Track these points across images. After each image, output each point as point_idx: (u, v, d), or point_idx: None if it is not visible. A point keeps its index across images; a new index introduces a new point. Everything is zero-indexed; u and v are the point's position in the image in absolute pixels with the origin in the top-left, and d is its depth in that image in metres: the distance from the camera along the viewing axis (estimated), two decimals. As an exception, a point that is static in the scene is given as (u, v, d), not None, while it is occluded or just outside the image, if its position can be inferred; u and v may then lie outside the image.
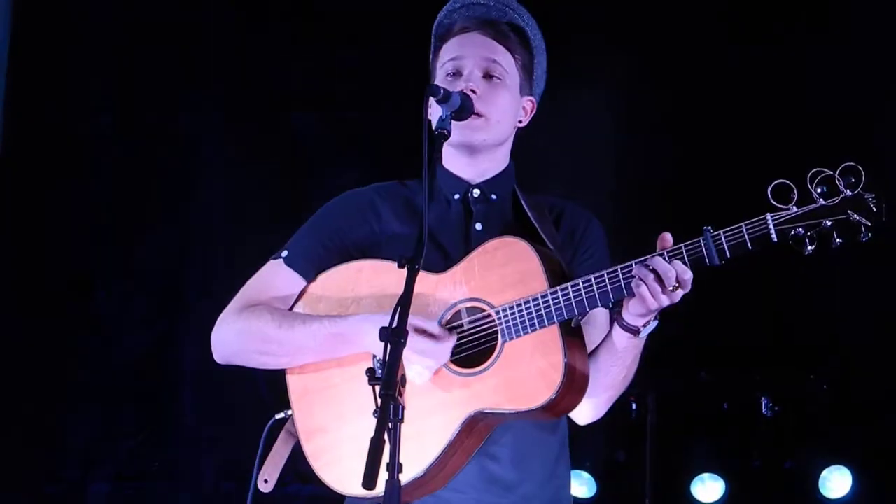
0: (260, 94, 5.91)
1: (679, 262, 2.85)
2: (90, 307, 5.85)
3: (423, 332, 3.00)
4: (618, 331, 2.99)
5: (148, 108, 5.96)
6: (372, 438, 2.50)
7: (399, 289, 2.79)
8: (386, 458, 2.52)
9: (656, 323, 2.97)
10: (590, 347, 3.07)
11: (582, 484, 5.61)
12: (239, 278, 5.53)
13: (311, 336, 3.17)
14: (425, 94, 3.04)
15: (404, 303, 2.69)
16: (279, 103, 5.93)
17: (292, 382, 3.26)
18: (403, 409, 2.56)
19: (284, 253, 3.31)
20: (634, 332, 2.96)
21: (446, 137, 2.99)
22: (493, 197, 3.27)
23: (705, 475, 5.52)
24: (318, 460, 3.17)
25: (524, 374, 2.97)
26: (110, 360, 5.78)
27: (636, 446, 5.67)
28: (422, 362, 3.02)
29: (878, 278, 5.41)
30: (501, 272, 3.04)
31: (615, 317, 2.99)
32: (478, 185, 3.27)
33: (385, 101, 5.66)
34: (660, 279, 2.84)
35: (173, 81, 5.96)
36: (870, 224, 2.76)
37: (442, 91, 3.02)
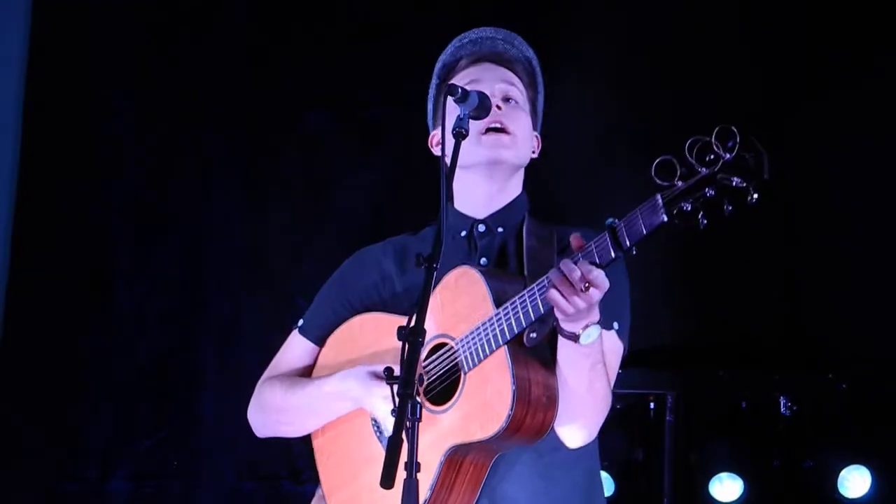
0: (277, 94, 5.92)
1: (584, 263, 2.78)
2: (109, 306, 5.86)
3: (376, 375, 3.06)
4: (560, 339, 2.94)
5: (166, 108, 5.97)
6: (390, 438, 2.51)
7: (381, 339, 2.85)
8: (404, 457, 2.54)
9: (598, 330, 2.91)
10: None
11: (600, 483, 5.60)
12: (258, 277, 5.58)
13: (309, 399, 3.27)
14: (444, 93, 3.05)
15: (422, 301, 2.70)
16: (296, 103, 5.93)
17: (315, 445, 3.36)
18: (422, 407, 2.57)
19: (300, 322, 3.42)
20: (572, 338, 2.90)
21: (464, 136, 3.00)
22: (500, 230, 3.27)
23: (724, 475, 5.50)
24: None
25: (483, 401, 2.97)
26: (130, 358, 5.79)
27: (654, 446, 5.65)
28: (386, 406, 3.04)
29: (898, 277, 5.41)
30: (458, 303, 3.06)
31: (555, 325, 2.94)
32: (483, 221, 3.27)
33: (403, 101, 5.65)
34: (568, 282, 2.78)
35: (190, 82, 5.97)
36: (753, 184, 2.61)
37: (460, 90, 3.02)
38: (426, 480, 2.96)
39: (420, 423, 2.86)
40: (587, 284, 2.78)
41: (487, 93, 3.15)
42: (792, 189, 5.19)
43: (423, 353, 3.05)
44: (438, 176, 2.91)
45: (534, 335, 2.95)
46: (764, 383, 5.63)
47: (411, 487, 2.55)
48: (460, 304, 3.05)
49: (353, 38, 5.90)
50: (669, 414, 5.61)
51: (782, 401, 5.60)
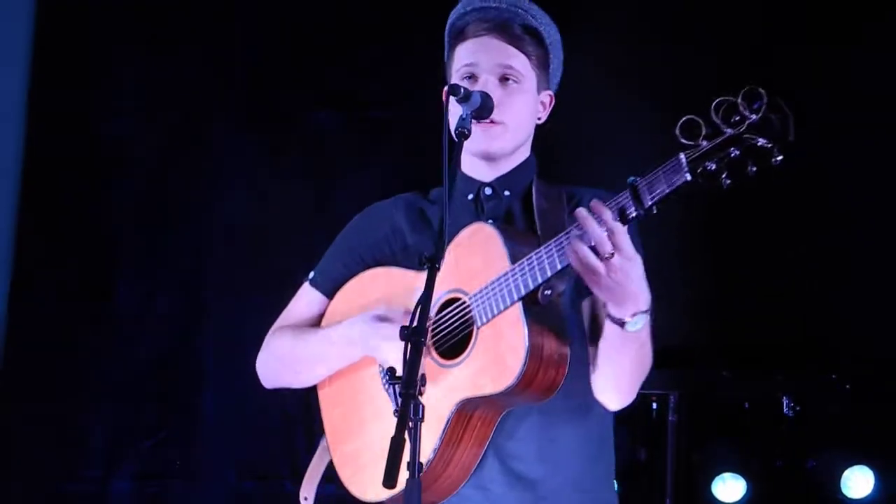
0: (281, 94, 5.92)
1: (608, 213, 2.75)
2: (111, 306, 5.87)
3: (383, 318, 3.08)
4: (607, 321, 2.94)
5: (170, 108, 5.97)
6: (392, 437, 2.51)
7: (408, 294, 2.84)
8: (407, 456, 2.54)
9: (646, 318, 2.89)
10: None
11: (603, 483, 5.59)
12: (260, 277, 5.58)
13: (317, 347, 3.28)
14: (445, 93, 3.05)
15: (424, 302, 2.71)
16: (301, 102, 5.93)
17: (321, 397, 3.36)
18: (424, 407, 2.57)
19: (311, 275, 3.44)
20: (619, 324, 2.89)
21: (467, 136, 3.00)
22: (506, 193, 3.28)
23: (727, 475, 5.50)
24: (343, 471, 3.25)
25: (496, 356, 2.98)
26: (132, 359, 5.80)
27: (657, 445, 5.66)
28: (393, 347, 3.04)
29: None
30: (473, 259, 3.07)
31: (604, 307, 2.93)
32: (490, 184, 3.28)
33: (407, 101, 5.66)
34: (590, 228, 2.75)
35: (195, 81, 5.97)
36: (778, 146, 2.60)
37: (462, 90, 3.03)
38: (434, 434, 2.99)
39: (429, 376, 2.93)
40: (611, 240, 2.74)
41: (485, 77, 3.20)
42: (794, 188, 5.19)
43: (435, 308, 3.07)
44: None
45: (548, 292, 2.94)
46: (767, 383, 5.63)
47: (413, 488, 2.54)
48: (474, 260, 3.06)
49: (358, 37, 5.90)
50: (672, 414, 5.61)
51: (785, 401, 5.60)
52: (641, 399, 5.70)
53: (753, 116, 2.61)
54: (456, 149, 2.97)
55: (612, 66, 5.54)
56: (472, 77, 3.25)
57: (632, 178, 2.73)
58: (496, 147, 3.25)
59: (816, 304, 5.62)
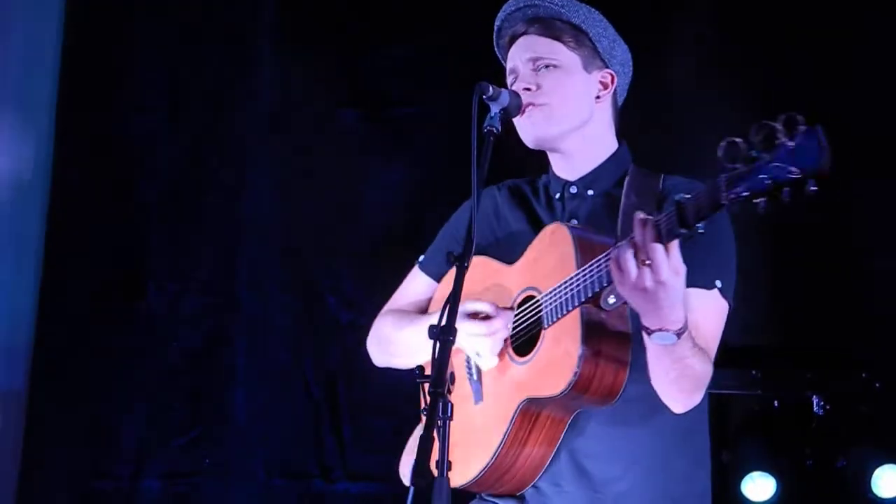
0: (308, 92, 5.92)
1: (650, 232, 2.74)
2: (142, 305, 5.89)
3: (473, 315, 3.07)
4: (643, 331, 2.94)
5: (197, 106, 5.99)
6: (421, 436, 2.51)
7: (499, 289, 2.86)
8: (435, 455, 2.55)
9: (674, 337, 2.86)
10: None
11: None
12: (290, 275, 5.59)
13: (413, 335, 3.33)
14: (474, 91, 3.06)
15: (453, 300, 2.71)
16: (328, 100, 5.93)
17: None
18: (453, 406, 2.57)
19: (421, 258, 3.51)
20: (646, 332, 2.89)
21: (495, 135, 3.01)
22: (590, 192, 3.29)
23: (756, 474, 5.48)
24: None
25: (549, 361, 3.01)
26: (162, 357, 5.82)
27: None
28: (479, 344, 3.06)
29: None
30: (549, 259, 3.09)
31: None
32: (574, 183, 3.29)
33: (435, 99, 5.66)
34: (632, 248, 2.75)
35: (221, 80, 5.98)
36: (810, 177, 2.52)
37: (491, 89, 3.04)
38: (499, 430, 3.04)
39: (501, 371, 3.06)
40: (645, 258, 2.73)
41: (521, 73, 3.26)
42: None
43: (516, 302, 3.14)
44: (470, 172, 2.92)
45: (612, 300, 2.93)
46: (797, 382, 5.61)
47: (442, 486, 2.54)
48: (550, 259, 3.09)
49: (384, 36, 5.90)
50: (702, 413, 5.60)
51: (815, 400, 5.57)
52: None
53: (790, 143, 2.53)
54: (485, 147, 2.97)
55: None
56: (515, 79, 3.31)
57: (678, 196, 2.71)
58: (546, 131, 3.26)
59: (846, 302, 5.59)
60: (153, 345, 5.84)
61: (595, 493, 3.14)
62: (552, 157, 3.37)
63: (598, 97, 3.32)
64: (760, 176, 2.55)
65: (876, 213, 5.45)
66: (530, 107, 3.21)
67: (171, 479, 5.78)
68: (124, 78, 6.01)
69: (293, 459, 5.72)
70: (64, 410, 5.76)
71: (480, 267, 3.26)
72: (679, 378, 3.00)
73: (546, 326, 3.03)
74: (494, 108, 3.04)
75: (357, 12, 5.93)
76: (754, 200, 2.57)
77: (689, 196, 2.69)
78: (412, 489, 3.20)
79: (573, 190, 3.30)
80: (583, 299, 2.93)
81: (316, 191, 5.83)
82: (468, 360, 3.24)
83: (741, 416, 5.69)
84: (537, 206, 3.37)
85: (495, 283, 3.22)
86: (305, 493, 5.68)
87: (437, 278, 3.47)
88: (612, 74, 3.35)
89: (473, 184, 2.86)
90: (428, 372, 2.68)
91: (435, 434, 2.52)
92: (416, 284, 3.53)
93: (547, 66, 3.26)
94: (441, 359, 2.63)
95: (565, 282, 2.98)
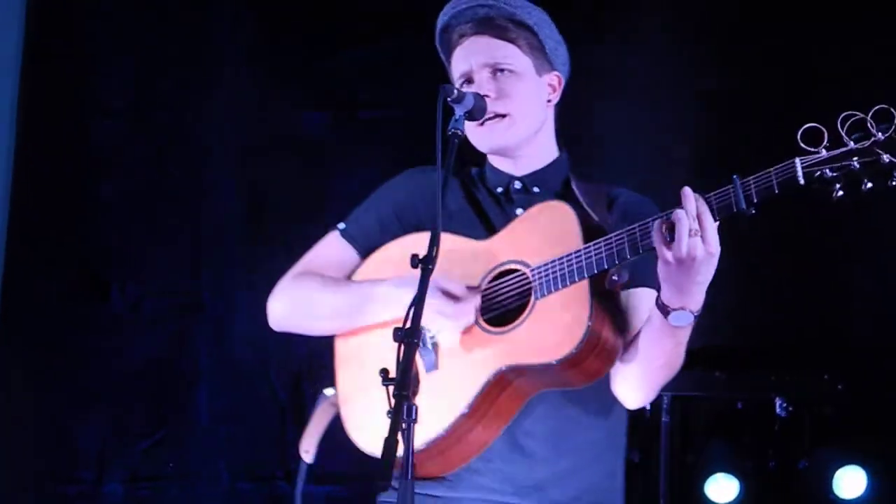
0: (274, 95, 5.92)
1: (703, 205, 2.81)
2: (105, 308, 5.86)
3: (446, 293, 3.05)
4: (654, 308, 2.97)
5: (161, 108, 5.97)
6: (385, 439, 2.51)
7: (451, 259, 2.92)
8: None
9: (691, 317, 2.93)
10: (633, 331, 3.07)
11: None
12: (252, 278, 5.57)
13: (351, 298, 3.25)
14: (439, 94, 3.05)
15: (419, 303, 2.70)
16: (293, 104, 5.93)
17: (339, 348, 3.32)
18: (417, 409, 2.57)
19: (342, 225, 3.39)
20: (663, 310, 2.92)
21: (459, 138, 3.01)
22: (535, 190, 3.29)
23: (720, 475, 5.50)
24: (350, 422, 3.25)
25: (550, 328, 3.00)
26: (125, 360, 5.79)
27: (650, 447, 5.66)
28: (443, 323, 3.05)
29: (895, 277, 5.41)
30: (542, 234, 3.10)
31: (659, 292, 2.97)
32: (520, 178, 3.30)
33: (399, 102, 5.67)
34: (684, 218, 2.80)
35: (186, 81, 5.96)
36: None
37: (455, 91, 3.04)
38: (461, 399, 3.02)
39: (465, 343, 3.04)
40: (697, 228, 2.79)
41: (478, 77, 3.24)
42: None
43: (489, 277, 3.12)
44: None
45: (615, 278, 2.98)
46: (760, 384, 5.64)
47: (406, 490, 2.54)
48: (543, 235, 3.09)
49: (350, 39, 5.90)
50: (665, 415, 5.61)
51: (778, 402, 5.60)
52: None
53: (880, 135, 2.69)
54: (449, 150, 2.97)
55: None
56: (469, 81, 3.28)
57: (735, 177, 2.79)
58: (507, 140, 3.28)
59: (809, 304, 5.62)
60: (116, 347, 5.81)
61: (525, 472, 3.13)
62: (496, 157, 3.36)
63: (548, 101, 3.35)
64: (851, 160, 2.70)
65: (839, 216, 5.48)
66: (490, 116, 3.21)
67: (135, 482, 5.76)
68: (88, 81, 5.98)
69: (258, 462, 5.70)
70: (26, 413, 5.72)
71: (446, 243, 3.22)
72: (665, 366, 3.06)
73: (539, 297, 3.02)
74: (459, 111, 3.03)
75: (321, 15, 5.92)
76: (836, 185, 2.72)
77: (746, 178, 2.76)
78: (303, 465, 3.31)
79: (517, 185, 3.30)
80: (595, 271, 2.96)
81: (280, 193, 5.82)
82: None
83: (705, 418, 5.72)
84: (478, 195, 3.35)
85: (463, 258, 3.16)
86: (270, 496, 5.67)
87: (361, 250, 3.36)
88: (559, 77, 3.37)
89: (438, 187, 2.86)
90: (392, 375, 2.67)
91: (400, 437, 2.52)
92: (336, 251, 3.40)
93: (502, 71, 3.26)
94: (406, 362, 2.63)
95: (569, 255, 2.99)
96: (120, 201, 5.92)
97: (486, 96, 3.19)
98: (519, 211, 3.25)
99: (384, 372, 2.81)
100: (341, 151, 5.85)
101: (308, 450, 3.37)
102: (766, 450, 5.65)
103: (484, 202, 3.32)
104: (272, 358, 5.69)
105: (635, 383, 3.13)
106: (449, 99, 3.03)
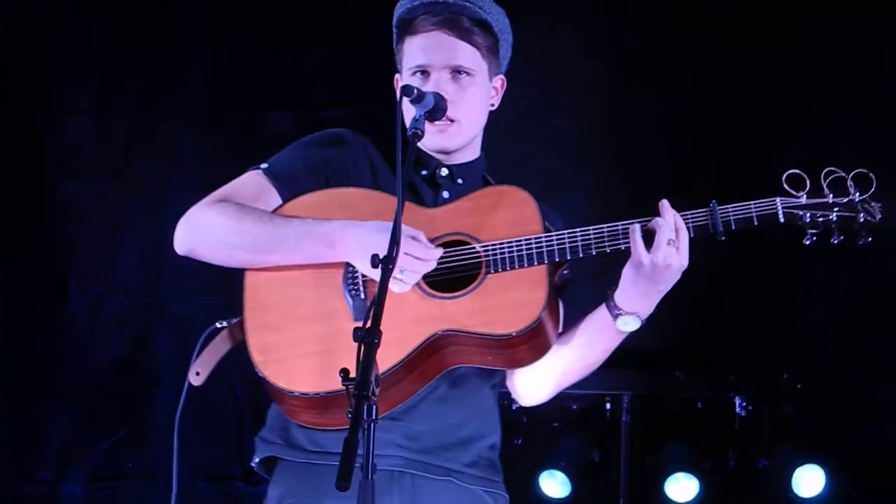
0: (237, 95, 5.91)
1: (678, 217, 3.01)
2: (65, 308, 5.83)
3: (414, 239, 3.06)
4: (603, 307, 3.07)
5: (124, 108, 5.94)
6: (346, 438, 2.49)
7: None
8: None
9: (639, 323, 3.05)
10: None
11: (556, 484, 5.61)
12: (214, 277, 5.53)
13: (291, 232, 3.14)
14: (399, 93, 3.05)
15: (378, 303, 2.69)
16: (256, 104, 5.92)
17: (250, 278, 3.22)
18: (377, 409, 2.56)
19: (264, 165, 3.30)
20: (614, 314, 3.04)
21: (420, 137, 3.01)
22: (460, 181, 3.31)
23: (680, 474, 5.53)
24: (264, 355, 3.19)
25: (502, 304, 3.05)
26: (85, 361, 5.76)
27: (611, 446, 5.68)
28: (409, 267, 3.04)
29: (852, 280, 5.44)
30: (497, 214, 3.15)
31: (608, 293, 3.08)
32: (448, 167, 3.31)
33: (360, 101, 5.67)
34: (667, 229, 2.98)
35: (150, 83, 5.94)
36: (871, 229, 2.99)
37: (416, 91, 3.03)
38: (395, 352, 3.02)
39: (402, 299, 3.04)
40: (674, 238, 2.98)
41: (437, 75, 3.22)
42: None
43: (435, 244, 3.12)
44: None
45: (566, 272, 3.11)
46: (719, 384, 5.67)
47: (367, 489, 2.54)
48: (498, 215, 3.14)
49: (312, 38, 5.90)
50: (626, 414, 5.64)
51: (738, 401, 5.64)
52: (595, 400, 5.73)
53: (857, 196, 3.00)
54: (410, 150, 2.97)
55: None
56: (424, 73, 3.25)
57: (714, 202, 3.03)
58: (451, 145, 3.29)
59: (768, 305, 5.66)
60: (77, 347, 5.78)
61: (393, 435, 3.12)
62: (429, 138, 3.25)
63: (492, 105, 3.37)
64: (829, 212, 3.01)
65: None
66: (446, 120, 3.21)
67: (94, 482, 5.73)
68: (51, 77, 5.94)
69: (216, 462, 5.69)
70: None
71: (379, 201, 3.18)
72: (591, 366, 3.19)
73: (492, 272, 3.07)
74: (419, 111, 3.03)
75: (285, 14, 5.91)
76: (810, 231, 3.02)
77: (725, 206, 3.03)
78: (188, 386, 3.50)
79: (444, 172, 3.30)
80: (557, 259, 3.04)
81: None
82: (351, 278, 3.13)
83: (664, 418, 5.75)
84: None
85: (406, 218, 2.99)
86: (228, 496, 5.66)
87: (284, 192, 3.24)
88: (502, 80, 3.39)
89: (399, 185, 2.85)
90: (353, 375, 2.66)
91: (360, 437, 2.51)
92: (256, 188, 3.27)
93: (461, 73, 3.25)
94: (366, 362, 2.61)
95: (528, 238, 3.06)
96: (82, 200, 5.89)
97: (444, 99, 3.18)
98: (445, 194, 3.26)
99: (344, 372, 2.79)
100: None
101: (199, 372, 3.35)
102: (726, 449, 5.69)
103: (413, 178, 3.28)
104: (232, 358, 5.66)
105: (547, 379, 3.23)
106: (409, 98, 3.03)
